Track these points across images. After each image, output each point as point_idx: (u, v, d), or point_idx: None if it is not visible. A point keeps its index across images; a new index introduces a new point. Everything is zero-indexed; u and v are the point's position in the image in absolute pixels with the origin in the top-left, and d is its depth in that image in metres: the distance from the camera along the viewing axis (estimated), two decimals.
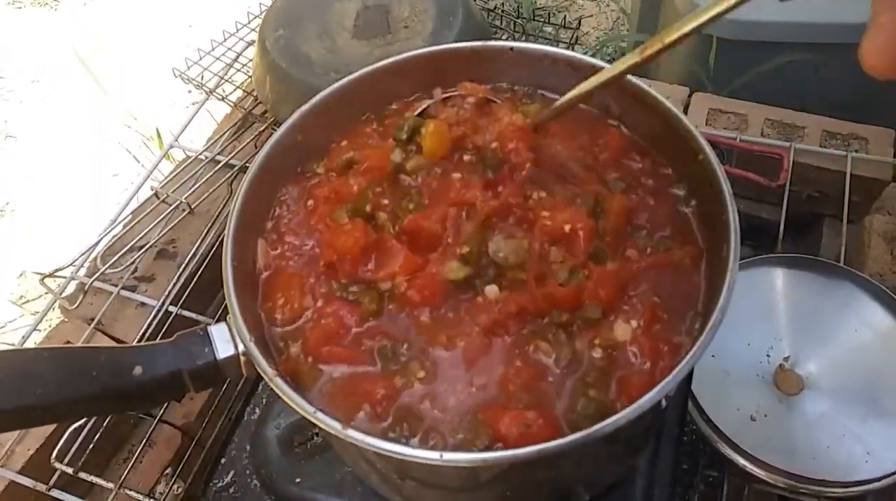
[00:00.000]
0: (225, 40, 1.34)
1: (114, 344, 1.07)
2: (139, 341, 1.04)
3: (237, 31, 1.36)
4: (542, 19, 1.37)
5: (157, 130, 1.69)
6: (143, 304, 1.09)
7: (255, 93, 1.25)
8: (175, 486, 0.97)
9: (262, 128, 1.23)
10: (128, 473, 0.93)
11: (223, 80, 1.29)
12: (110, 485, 0.92)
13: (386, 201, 0.61)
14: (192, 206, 1.16)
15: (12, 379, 0.51)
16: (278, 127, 0.67)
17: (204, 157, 1.23)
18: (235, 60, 1.32)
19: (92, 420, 0.94)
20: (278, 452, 0.73)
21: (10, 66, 2.10)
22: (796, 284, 0.97)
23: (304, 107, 0.67)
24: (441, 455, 0.45)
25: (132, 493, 0.92)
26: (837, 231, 1.09)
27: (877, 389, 0.88)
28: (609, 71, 0.56)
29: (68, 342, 1.06)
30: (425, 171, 0.61)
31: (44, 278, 1.06)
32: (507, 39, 1.34)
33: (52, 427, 1.00)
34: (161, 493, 0.96)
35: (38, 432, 0.99)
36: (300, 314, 0.58)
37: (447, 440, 0.51)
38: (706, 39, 1.30)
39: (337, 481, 0.70)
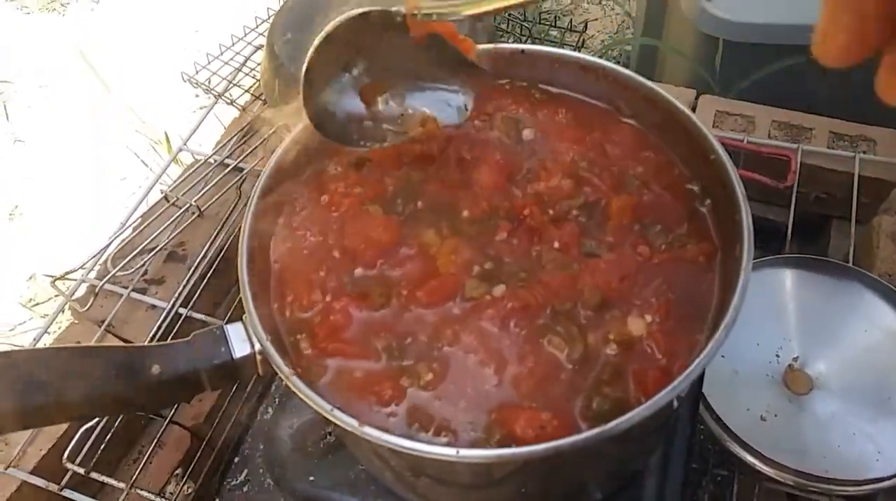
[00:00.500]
0: (233, 44, 1.35)
1: None
2: (150, 343, 1.05)
3: (245, 35, 1.37)
4: (547, 23, 1.38)
5: (166, 134, 1.70)
6: (153, 306, 1.10)
7: (263, 97, 1.26)
8: (185, 486, 0.97)
9: (271, 131, 1.24)
10: (138, 473, 0.93)
11: (231, 84, 1.30)
12: (121, 485, 0.92)
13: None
14: (202, 209, 1.17)
15: (30, 377, 0.51)
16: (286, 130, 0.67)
17: (213, 161, 1.23)
18: (244, 64, 1.33)
19: (103, 421, 0.95)
20: (292, 450, 0.73)
21: (18, 70, 2.12)
22: (805, 285, 0.97)
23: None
24: (457, 452, 0.45)
25: (143, 493, 0.93)
26: (846, 232, 1.09)
27: (887, 388, 0.88)
28: None
29: (79, 343, 1.07)
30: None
31: (54, 281, 1.07)
32: (513, 43, 1.34)
33: (63, 427, 1.00)
34: (171, 493, 0.97)
35: (49, 432, 0.99)
36: (309, 308, 0.59)
37: (460, 437, 0.51)
38: (713, 42, 1.30)
39: (351, 479, 0.70)
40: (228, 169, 1.21)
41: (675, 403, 0.50)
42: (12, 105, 2.02)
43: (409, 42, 0.60)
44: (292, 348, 0.57)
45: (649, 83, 0.66)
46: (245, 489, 0.74)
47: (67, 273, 1.08)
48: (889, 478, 0.82)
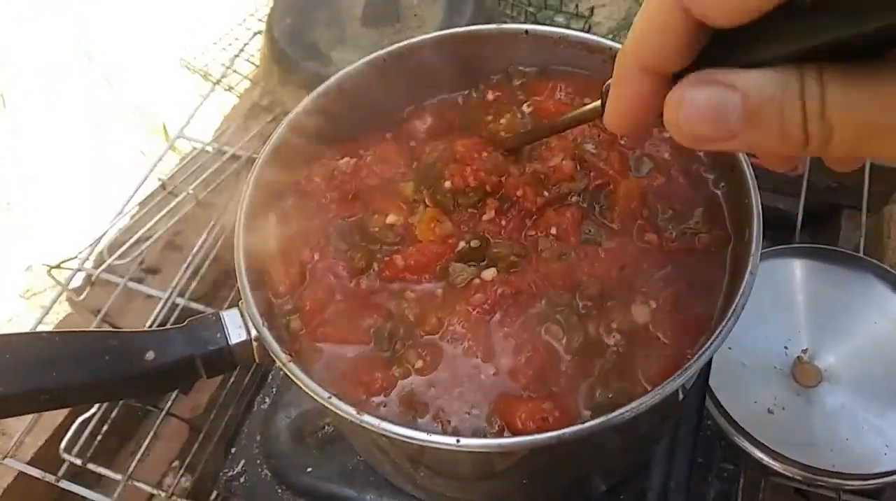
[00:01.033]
0: (231, 30, 1.33)
1: None
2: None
3: (244, 20, 1.35)
4: (553, 8, 1.36)
5: (164, 123, 1.68)
6: (150, 296, 1.08)
7: (261, 83, 1.24)
8: (183, 478, 0.96)
9: (269, 118, 1.22)
10: (136, 465, 0.92)
11: (229, 70, 1.28)
12: (118, 477, 0.91)
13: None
14: (199, 198, 1.15)
15: (25, 362, 0.50)
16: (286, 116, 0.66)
17: (210, 149, 1.22)
18: (242, 50, 1.31)
19: (100, 412, 0.94)
20: (289, 442, 0.72)
21: (15, 59, 2.10)
22: (815, 275, 0.95)
23: (320, 89, 0.66)
24: (458, 441, 0.44)
25: (140, 485, 0.92)
26: (856, 222, 1.07)
27: None
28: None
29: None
30: None
31: (51, 269, 1.05)
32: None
33: (60, 418, 0.99)
34: (169, 485, 0.96)
35: (46, 423, 0.98)
36: (301, 277, 0.59)
37: (455, 426, 0.50)
38: None
39: (349, 470, 0.69)
40: (226, 156, 1.19)
41: (681, 394, 0.48)
42: (9, 95, 2.00)
43: None
44: (285, 330, 0.56)
45: None
46: (242, 480, 0.73)
47: (64, 261, 1.06)
48: None
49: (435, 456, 0.51)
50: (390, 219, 0.61)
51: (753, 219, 0.52)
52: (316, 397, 0.47)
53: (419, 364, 0.53)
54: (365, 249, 0.60)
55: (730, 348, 0.90)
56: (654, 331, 0.53)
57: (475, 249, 0.58)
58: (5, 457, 0.93)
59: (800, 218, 1.04)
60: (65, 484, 0.91)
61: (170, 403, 1.01)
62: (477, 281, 0.56)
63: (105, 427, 0.94)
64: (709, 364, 0.70)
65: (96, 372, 0.51)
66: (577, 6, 1.35)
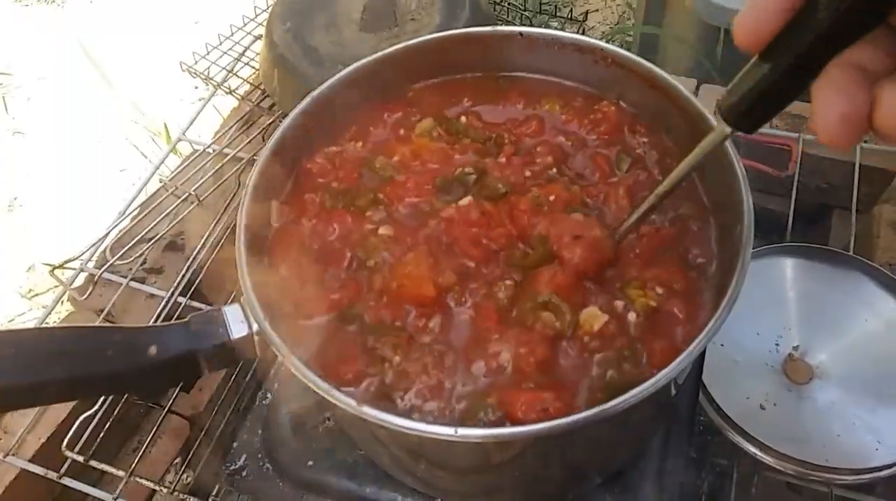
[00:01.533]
0: (232, 34, 1.34)
1: None
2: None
3: (244, 25, 1.36)
4: (548, 13, 1.38)
5: (165, 125, 1.69)
6: (152, 295, 1.10)
7: (262, 87, 1.26)
8: (185, 475, 0.97)
9: (270, 121, 1.24)
10: (138, 461, 0.93)
11: (230, 74, 1.29)
12: (121, 473, 0.92)
13: None
14: (201, 199, 1.16)
15: (29, 356, 0.51)
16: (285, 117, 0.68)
17: (212, 151, 1.23)
18: (242, 54, 1.33)
19: (102, 409, 0.95)
20: (290, 435, 0.73)
21: (18, 63, 2.11)
22: (806, 273, 0.97)
23: (315, 93, 0.68)
24: (456, 431, 0.45)
25: (142, 481, 0.93)
26: (846, 221, 1.08)
27: (887, 378, 0.88)
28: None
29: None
30: None
31: (53, 269, 1.07)
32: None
33: (63, 415, 1.00)
34: (171, 482, 0.97)
35: (48, 420, 0.99)
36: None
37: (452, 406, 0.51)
38: (714, 31, 1.30)
39: (349, 464, 0.70)
40: (227, 158, 1.20)
41: (674, 389, 0.49)
42: (11, 97, 2.02)
43: None
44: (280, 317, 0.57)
45: (649, 65, 0.65)
46: (244, 473, 0.74)
47: (66, 261, 1.08)
48: (888, 467, 0.82)
49: (433, 448, 0.52)
50: (396, 157, 0.64)
51: (744, 213, 0.53)
52: (316, 389, 0.48)
53: (396, 358, 0.54)
54: (367, 193, 0.62)
55: (722, 345, 0.91)
56: (648, 317, 0.54)
57: (471, 175, 0.60)
58: (7, 455, 0.94)
59: (790, 217, 1.05)
60: (67, 482, 0.92)
61: (171, 400, 1.02)
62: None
63: (107, 425, 0.95)
64: (701, 359, 0.72)
65: (99, 365, 0.52)
66: (571, 11, 1.36)
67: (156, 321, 1.05)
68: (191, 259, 1.11)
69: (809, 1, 0.33)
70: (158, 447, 1.03)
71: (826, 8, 0.32)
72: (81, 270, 1.10)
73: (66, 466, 0.93)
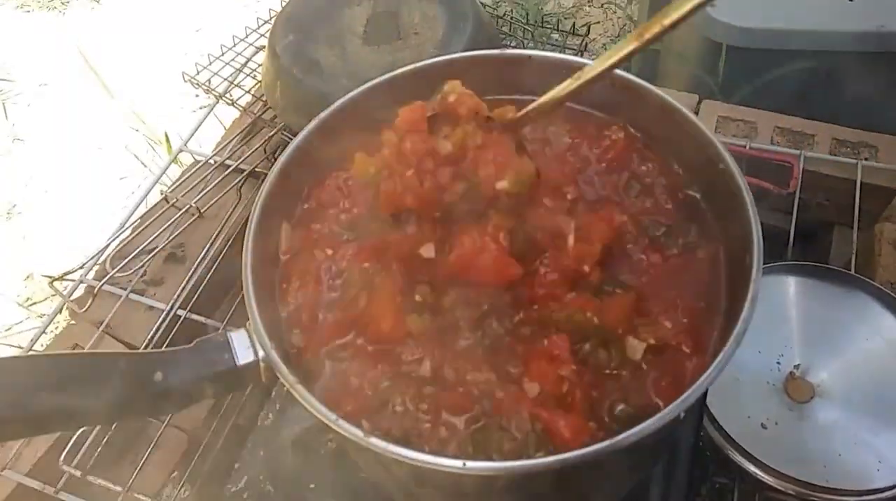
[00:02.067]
0: (234, 45, 1.34)
1: (123, 347, 1.07)
2: (148, 344, 1.04)
3: (247, 35, 1.36)
4: (550, 26, 1.38)
5: (166, 135, 1.69)
6: (151, 308, 1.09)
7: (264, 98, 1.26)
8: (182, 490, 0.97)
9: (272, 133, 1.23)
10: (136, 476, 0.93)
11: (232, 85, 1.29)
12: (118, 488, 0.91)
13: None
14: (202, 211, 1.16)
15: (30, 385, 0.50)
16: (287, 131, 0.67)
17: (213, 162, 1.23)
18: (245, 65, 1.32)
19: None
20: (292, 458, 0.73)
21: (19, 69, 2.11)
22: (807, 292, 0.97)
23: (314, 123, 0.67)
24: (464, 464, 0.45)
25: (140, 496, 0.92)
26: (847, 239, 1.09)
27: (888, 398, 0.88)
28: (607, 58, 0.49)
29: (76, 345, 1.06)
30: None
31: (52, 281, 1.06)
32: (515, 46, 1.34)
33: None
34: (168, 496, 0.96)
35: (46, 435, 0.99)
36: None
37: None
38: (715, 47, 1.30)
39: (352, 487, 0.70)
40: (229, 170, 1.20)
41: (682, 414, 0.49)
42: (12, 104, 2.01)
43: None
44: (288, 346, 0.56)
45: (654, 89, 0.65)
46: (245, 495, 0.73)
47: (66, 273, 1.07)
48: (890, 488, 0.81)
49: (439, 477, 0.52)
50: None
51: (754, 245, 0.53)
52: (324, 420, 0.48)
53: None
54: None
55: None
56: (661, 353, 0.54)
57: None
58: (4, 469, 0.93)
59: (791, 235, 1.05)
60: (64, 496, 0.92)
61: (170, 414, 1.01)
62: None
63: (105, 439, 0.95)
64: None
65: (104, 394, 0.51)
66: (573, 25, 1.37)
67: (155, 334, 1.05)
68: (191, 271, 1.11)
69: None
70: (157, 460, 1.02)
71: None
72: (81, 282, 1.09)
73: (63, 480, 0.92)
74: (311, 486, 0.71)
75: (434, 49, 1.12)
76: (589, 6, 1.93)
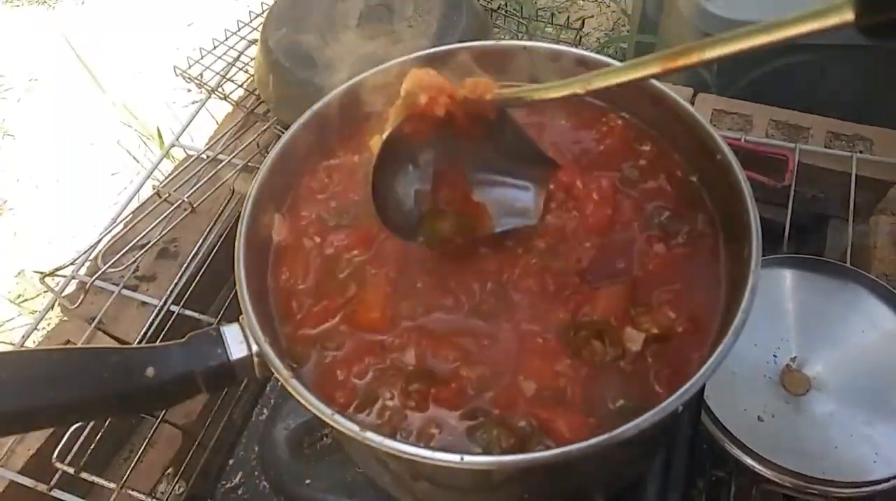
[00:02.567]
0: (226, 39, 1.33)
1: (115, 343, 1.06)
2: (141, 340, 1.03)
3: (239, 29, 1.35)
4: (544, 20, 1.37)
5: (158, 130, 1.68)
6: (144, 303, 1.08)
7: (256, 93, 1.25)
8: (177, 486, 0.96)
9: (264, 127, 1.22)
10: (129, 473, 0.92)
11: (224, 79, 1.28)
12: (112, 485, 0.91)
13: None
14: (194, 205, 1.15)
15: (21, 380, 0.50)
16: (280, 125, 0.67)
17: (205, 157, 1.22)
18: (237, 59, 1.31)
19: (94, 421, 0.93)
20: (287, 453, 0.72)
21: (8, 64, 2.09)
22: (803, 285, 0.97)
23: (307, 116, 0.67)
24: (462, 459, 0.44)
25: (134, 493, 0.91)
26: (842, 232, 1.09)
27: (884, 390, 0.88)
28: (622, 73, 0.47)
29: (69, 341, 1.05)
30: None
31: (44, 277, 1.05)
32: (511, 40, 1.33)
33: None
34: (163, 493, 0.95)
35: (38, 431, 0.98)
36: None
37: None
38: None
39: (347, 482, 0.69)
40: (221, 164, 1.19)
41: (680, 407, 0.49)
42: (1, 99, 1.99)
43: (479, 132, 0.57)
44: (282, 339, 0.56)
45: (651, 80, 0.65)
46: (240, 491, 0.73)
47: (57, 269, 1.06)
48: (887, 480, 0.82)
49: (435, 471, 0.51)
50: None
51: (753, 237, 0.52)
52: (319, 414, 0.47)
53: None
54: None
55: None
56: (658, 346, 0.53)
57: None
58: None
59: (787, 228, 1.05)
60: (57, 494, 0.91)
61: (164, 410, 1.00)
62: None
63: (98, 435, 0.94)
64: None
65: (96, 389, 0.50)
66: (567, 18, 1.36)
67: (148, 329, 1.04)
68: (184, 266, 1.10)
69: None
70: (151, 457, 1.01)
71: None
72: (73, 278, 1.08)
73: (56, 478, 0.91)
74: (307, 482, 0.70)
75: (427, 42, 1.12)
76: (583, 0, 1.93)
